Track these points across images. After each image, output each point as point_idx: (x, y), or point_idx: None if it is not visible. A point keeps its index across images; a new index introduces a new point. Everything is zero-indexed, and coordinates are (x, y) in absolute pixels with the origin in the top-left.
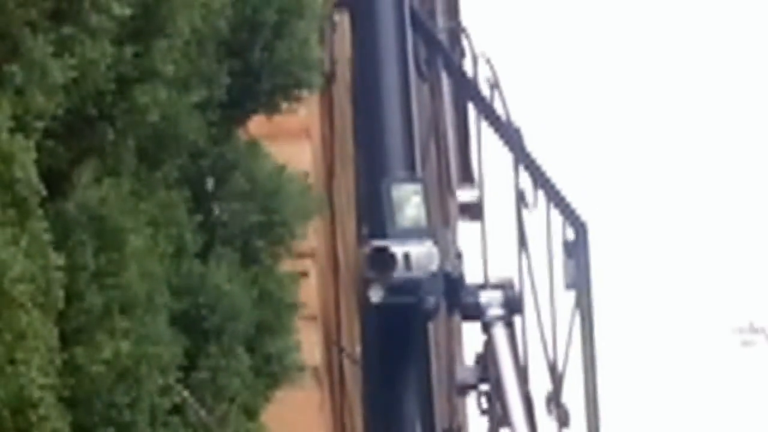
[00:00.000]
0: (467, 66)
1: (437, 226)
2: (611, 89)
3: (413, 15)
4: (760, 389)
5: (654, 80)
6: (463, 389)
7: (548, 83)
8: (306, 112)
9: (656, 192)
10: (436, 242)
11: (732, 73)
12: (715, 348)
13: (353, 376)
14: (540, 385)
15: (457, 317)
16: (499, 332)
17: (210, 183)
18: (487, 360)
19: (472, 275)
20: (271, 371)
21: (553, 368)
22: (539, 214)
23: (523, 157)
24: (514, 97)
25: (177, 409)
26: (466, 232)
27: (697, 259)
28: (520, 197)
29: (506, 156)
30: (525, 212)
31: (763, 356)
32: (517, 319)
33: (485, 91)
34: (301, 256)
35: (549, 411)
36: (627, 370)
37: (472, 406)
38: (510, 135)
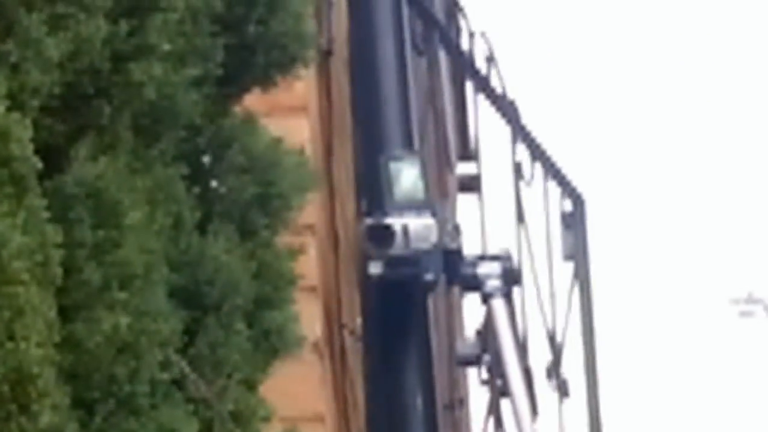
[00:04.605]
0: (464, 42)
1: (435, 200)
2: (608, 63)
3: None
4: (758, 359)
5: (650, 51)
6: (464, 362)
7: (545, 57)
8: (303, 87)
9: (654, 163)
10: (434, 216)
11: (728, 45)
12: (713, 318)
13: (354, 350)
14: (540, 355)
15: (457, 292)
16: (498, 304)
17: (207, 158)
18: (487, 332)
19: (471, 248)
20: (270, 345)
21: (552, 339)
22: (537, 187)
23: (519, 131)
24: (510, 71)
25: (177, 383)
26: (465, 205)
27: (695, 230)
28: (518, 170)
29: (504, 130)
30: (522, 185)
31: (761, 326)
32: (516, 291)
33: (482, 66)
34: (301, 231)
35: (549, 381)
36: (626, 340)
37: (474, 377)
38: (507, 109)
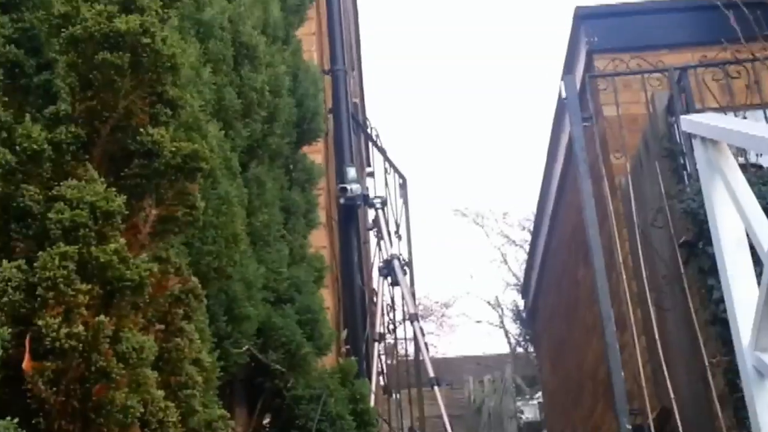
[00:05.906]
0: (368, 128)
1: (360, 179)
2: (429, 132)
3: (352, 114)
4: (463, 241)
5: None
6: (369, 228)
7: (397, 132)
8: (320, 144)
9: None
10: (360, 184)
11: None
12: (446, 218)
13: (336, 226)
14: (392, 225)
15: (367, 208)
16: (380, 212)
17: (291, 166)
18: (377, 221)
19: (372, 195)
20: (311, 224)
21: (396, 221)
22: (391, 176)
23: (385, 157)
24: (384, 136)
25: (282, 237)
26: (369, 181)
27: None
28: (385, 170)
29: (380, 157)
30: (388, 175)
31: (468, 226)
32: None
33: (374, 136)
34: (320, 189)
35: (395, 234)
36: (421, 222)
37: (372, 235)
38: (382, 150)
